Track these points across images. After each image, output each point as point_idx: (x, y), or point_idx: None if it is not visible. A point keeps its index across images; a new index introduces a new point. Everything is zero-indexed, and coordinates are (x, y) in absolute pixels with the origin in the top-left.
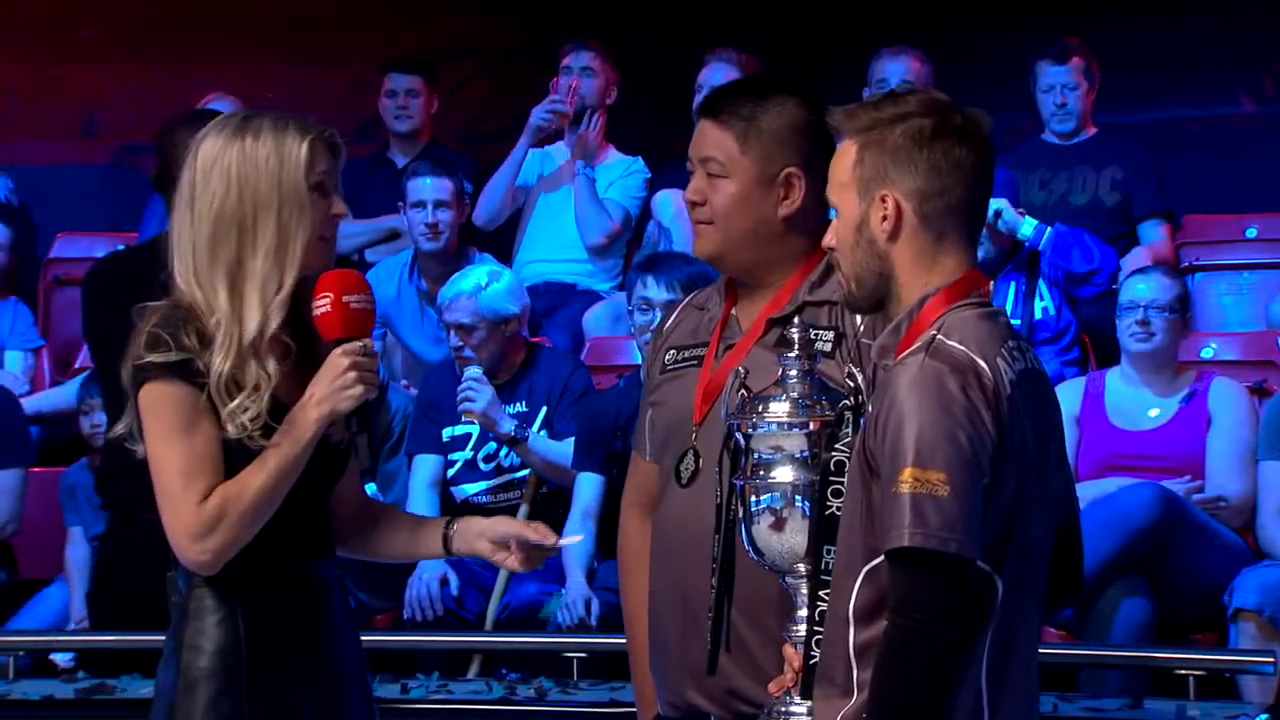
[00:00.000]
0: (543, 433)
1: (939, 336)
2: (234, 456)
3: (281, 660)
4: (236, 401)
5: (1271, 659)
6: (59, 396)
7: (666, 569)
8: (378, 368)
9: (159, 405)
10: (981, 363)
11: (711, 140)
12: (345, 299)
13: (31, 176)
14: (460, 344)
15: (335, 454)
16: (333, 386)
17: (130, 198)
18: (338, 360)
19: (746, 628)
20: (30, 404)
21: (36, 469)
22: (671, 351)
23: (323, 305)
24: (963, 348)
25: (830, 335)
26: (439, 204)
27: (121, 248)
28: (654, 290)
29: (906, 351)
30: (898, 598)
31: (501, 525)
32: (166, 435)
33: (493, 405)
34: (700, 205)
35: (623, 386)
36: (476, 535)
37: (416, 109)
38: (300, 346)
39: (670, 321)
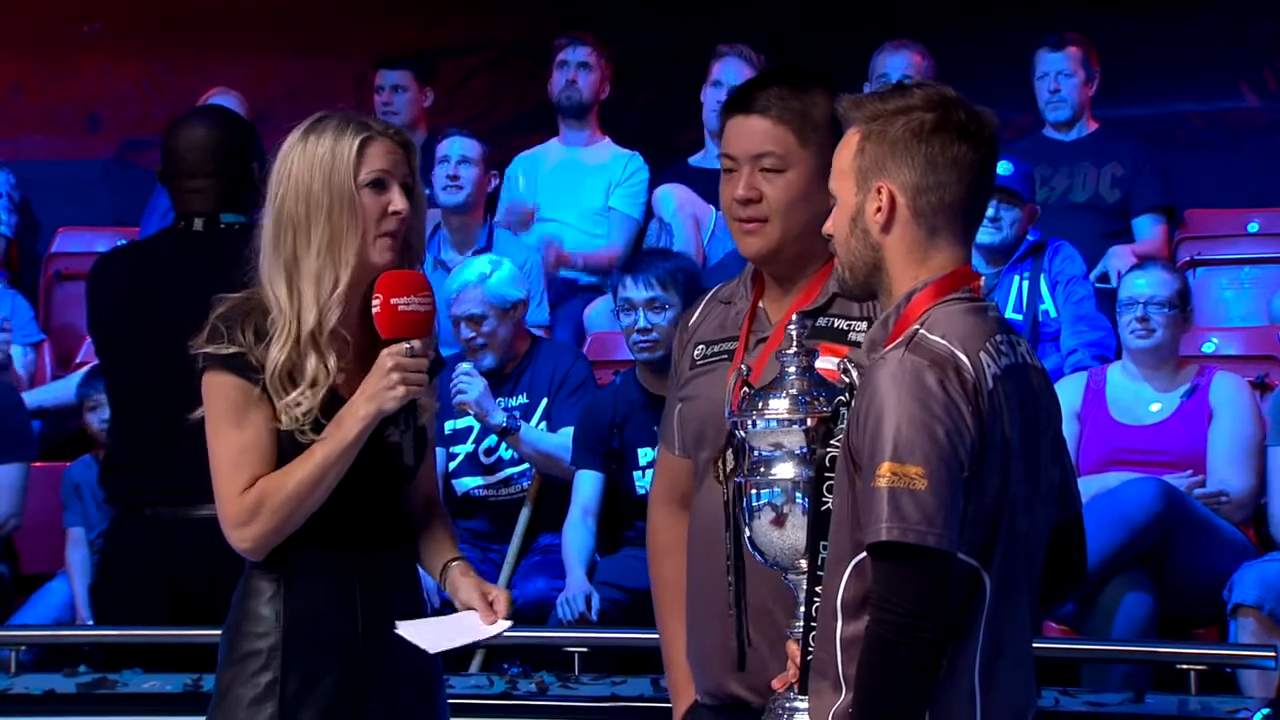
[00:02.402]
0: (541, 425)
1: (921, 331)
2: (286, 449)
3: (315, 640)
4: (292, 395)
5: (1272, 654)
6: (60, 391)
7: (707, 563)
8: (425, 368)
9: (212, 395)
10: (962, 356)
11: (765, 135)
12: (393, 301)
13: (34, 171)
14: (471, 335)
15: (394, 450)
16: (377, 387)
17: (132, 193)
18: (383, 361)
19: (785, 619)
20: (31, 398)
21: (38, 464)
22: (700, 347)
23: (374, 306)
24: (944, 341)
25: (863, 326)
26: (463, 159)
27: (124, 242)
28: (633, 290)
29: (889, 346)
30: (878, 593)
31: (465, 594)
32: (217, 426)
33: (484, 396)
34: (755, 202)
35: (619, 384)
36: (454, 591)
37: (403, 105)
38: (374, 343)
39: (695, 316)
